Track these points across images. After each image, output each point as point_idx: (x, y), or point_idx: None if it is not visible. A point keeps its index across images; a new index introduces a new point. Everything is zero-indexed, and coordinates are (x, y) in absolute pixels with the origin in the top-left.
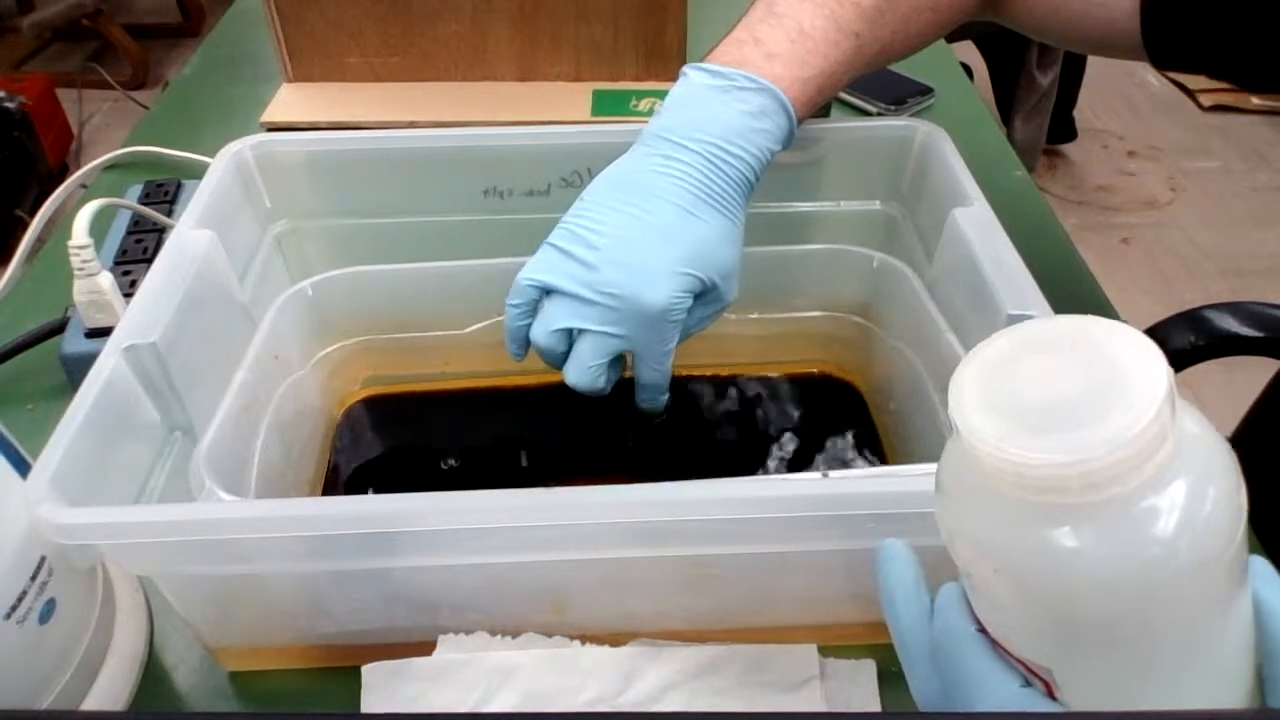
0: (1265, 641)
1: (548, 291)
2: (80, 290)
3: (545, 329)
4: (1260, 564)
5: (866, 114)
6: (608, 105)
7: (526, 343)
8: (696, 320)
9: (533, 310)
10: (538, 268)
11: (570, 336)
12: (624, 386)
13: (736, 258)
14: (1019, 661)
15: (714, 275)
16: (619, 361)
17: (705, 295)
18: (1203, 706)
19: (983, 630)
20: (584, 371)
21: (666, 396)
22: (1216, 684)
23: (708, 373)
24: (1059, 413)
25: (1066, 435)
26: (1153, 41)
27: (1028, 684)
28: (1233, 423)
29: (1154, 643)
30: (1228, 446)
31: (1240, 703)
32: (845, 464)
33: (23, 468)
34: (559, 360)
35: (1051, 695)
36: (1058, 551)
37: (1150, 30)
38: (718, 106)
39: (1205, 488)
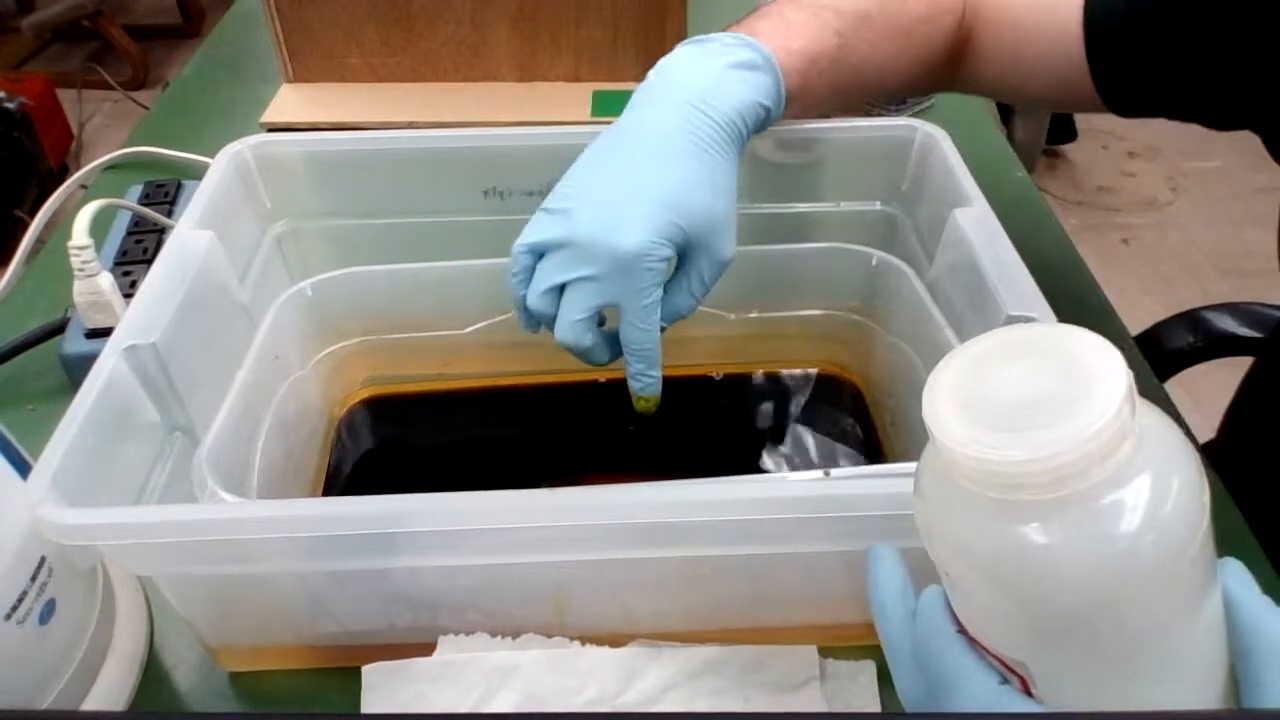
0: (1237, 639)
1: (541, 256)
2: (80, 291)
3: (536, 292)
4: (1232, 563)
5: (866, 114)
6: (608, 105)
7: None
8: (693, 285)
9: (530, 277)
10: (526, 232)
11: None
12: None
13: (724, 209)
14: (996, 658)
15: (697, 223)
16: (615, 340)
17: (694, 250)
18: (1176, 702)
19: (962, 630)
20: (568, 326)
21: (657, 379)
22: (1189, 681)
23: (707, 372)
24: (1027, 413)
25: (1032, 433)
26: (1107, 89)
27: (1005, 681)
28: None
29: (1124, 637)
30: (1190, 445)
31: (1215, 700)
32: (845, 462)
33: (23, 468)
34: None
35: (1028, 691)
36: (1027, 547)
37: (1101, 77)
38: (697, 64)
39: (1167, 483)
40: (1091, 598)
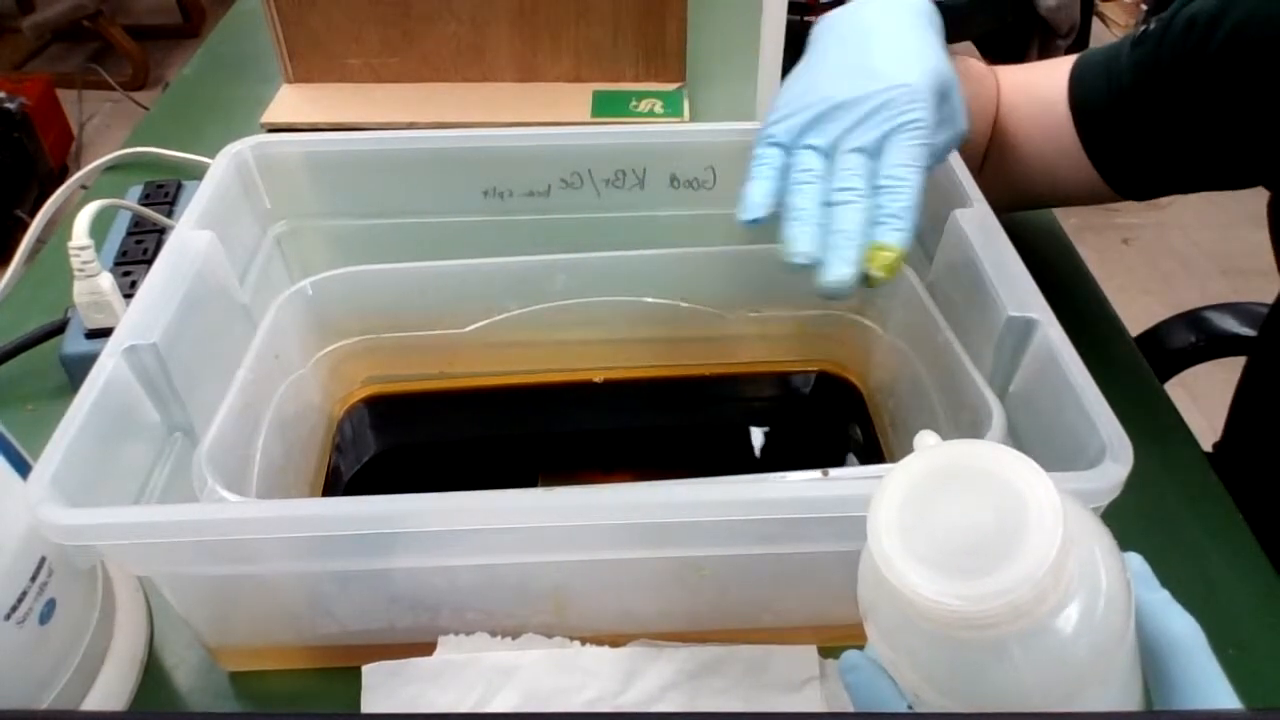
0: (1143, 640)
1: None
2: (80, 291)
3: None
4: (1136, 562)
5: None
6: (608, 106)
7: (773, 194)
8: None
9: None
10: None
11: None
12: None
13: (951, 74)
14: None
15: (944, 78)
16: None
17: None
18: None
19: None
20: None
21: (910, 227)
22: (1115, 701)
23: (708, 372)
24: (980, 554)
25: (992, 576)
26: (1110, 174)
27: None
28: None
29: (1078, 703)
30: (1093, 514)
31: (1135, 704)
32: (845, 463)
33: (23, 468)
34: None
35: None
36: (993, 673)
37: (1102, 163)
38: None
39: (1101, 574)
40: (1050, 694)
